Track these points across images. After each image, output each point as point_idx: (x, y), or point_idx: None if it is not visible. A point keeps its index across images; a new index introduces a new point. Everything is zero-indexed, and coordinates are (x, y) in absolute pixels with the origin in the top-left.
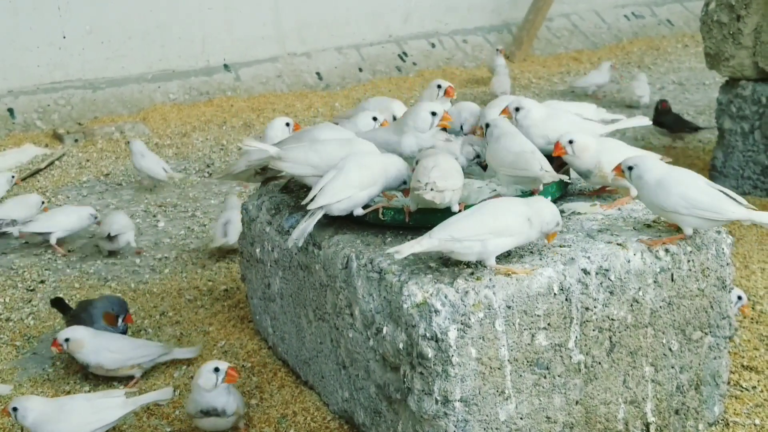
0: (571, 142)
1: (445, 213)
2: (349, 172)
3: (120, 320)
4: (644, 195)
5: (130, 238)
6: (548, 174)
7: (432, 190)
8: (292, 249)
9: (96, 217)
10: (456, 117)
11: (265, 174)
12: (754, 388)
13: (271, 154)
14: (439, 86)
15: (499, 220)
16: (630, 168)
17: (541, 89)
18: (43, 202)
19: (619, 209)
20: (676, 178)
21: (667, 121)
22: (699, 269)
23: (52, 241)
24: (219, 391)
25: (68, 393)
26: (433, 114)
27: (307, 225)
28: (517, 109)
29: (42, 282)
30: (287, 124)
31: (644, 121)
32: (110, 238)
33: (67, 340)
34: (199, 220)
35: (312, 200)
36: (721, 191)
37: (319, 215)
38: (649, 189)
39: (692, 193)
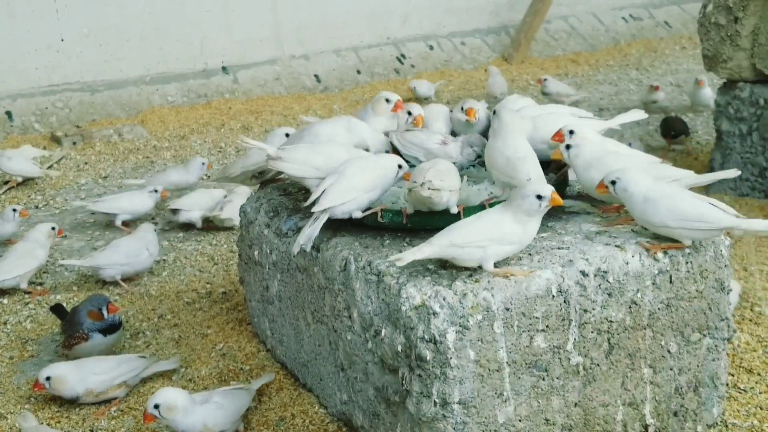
0: (571, 132)
1: (444, 215)
2: (353, 175)
3: (104, 312)
4: (633, 210)
5: (193, 216)
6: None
7: (429, 189)
8: (298, 254)
9: (156, 191)
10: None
11: (262, 177)
12: (752, 389)
13: (269, 154)
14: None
15: (500, 228)
16: (613, 182)
17: (540, 91)
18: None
19: (619, 213)
20: (662, 192)
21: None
22: (697, 271)
23: (117, 222)
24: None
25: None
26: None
27: (313, 229)
28: (571, 132)
29: (40, 284)
30: (287, 135)
31: (640, 114)
32: (173, 211)
33: (48, 378)
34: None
35: (315, 203)
36: (707, 202)
37: (324, 219)
38: (637, 204)
39: (680, 205)
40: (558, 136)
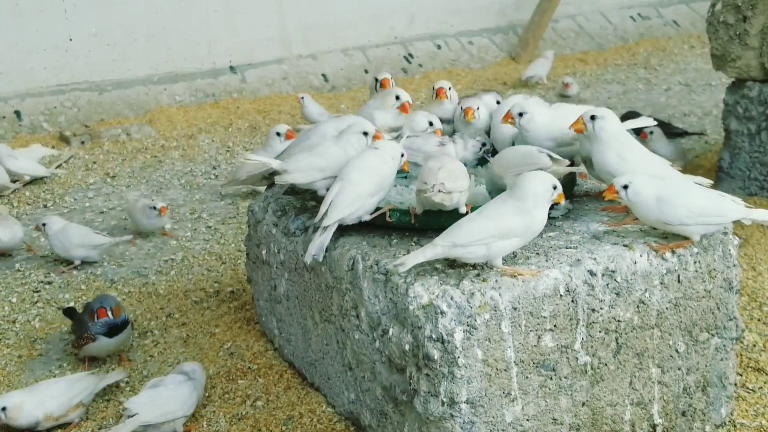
0: (593, 117)
1: (452, 214)
2: (357, 181)
3: (95, 316)
4: (644, 213)
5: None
6: (556, 162)
7: (440, 191)
8: (310, 264)
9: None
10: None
11: (270, 177)
12: (760, 389)
13: (273, 167)
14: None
15: (502, 223)
16: (625, 186)
17: (548, 90)
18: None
19: (627, 213)
20: (675, 190)
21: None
22: (705, 270)
23: None
24: None
25: None
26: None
27: (324, 239)
28: (520, 114)
29: (49, 283)
30: (278, 134)
31: (649, 121)
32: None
33: (3, 409)
34: (205, 221)
35: (325, 216)
36: (718, 193)
37: (334, 228)
38: (650, 206)
39: (695, 201)
40: (578, 124)
